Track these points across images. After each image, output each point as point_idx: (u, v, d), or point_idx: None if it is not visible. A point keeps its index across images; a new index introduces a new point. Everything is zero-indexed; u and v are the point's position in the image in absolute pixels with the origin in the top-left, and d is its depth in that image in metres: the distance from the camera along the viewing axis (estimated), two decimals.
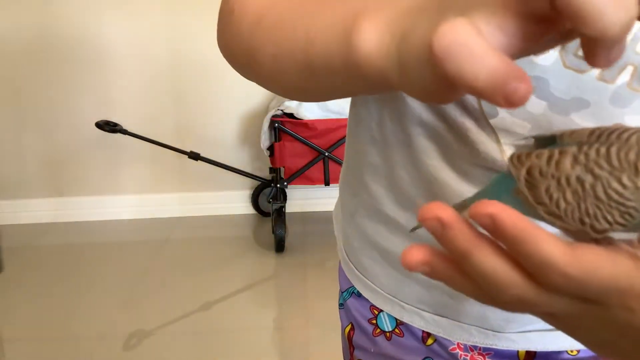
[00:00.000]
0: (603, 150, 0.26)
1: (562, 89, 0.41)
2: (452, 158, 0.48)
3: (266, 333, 2.10)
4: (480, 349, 0.54)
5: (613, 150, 0.26)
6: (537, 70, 0.41)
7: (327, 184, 2.59)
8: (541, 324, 0.50)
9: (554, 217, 0.27)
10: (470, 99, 0.44)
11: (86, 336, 2.09)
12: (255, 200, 3.06)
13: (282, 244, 2.64)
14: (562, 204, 0.26)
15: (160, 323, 2.15)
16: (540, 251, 0.24)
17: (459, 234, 0.25)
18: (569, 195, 0.26)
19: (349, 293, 0.62)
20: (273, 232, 2.69)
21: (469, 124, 0.45)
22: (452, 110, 0.45)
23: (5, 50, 2.92)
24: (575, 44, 0.40)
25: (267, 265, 2.60)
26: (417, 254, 0.27)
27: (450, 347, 0.55)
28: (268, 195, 2.80)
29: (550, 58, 0.40)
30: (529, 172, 0.28)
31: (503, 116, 0.44)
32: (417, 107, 0.48)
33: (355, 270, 0.60)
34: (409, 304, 0.56)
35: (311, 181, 2.61)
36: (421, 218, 0.25)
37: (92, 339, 2.07)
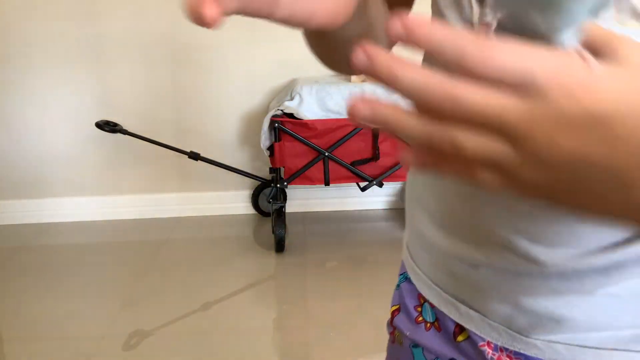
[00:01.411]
0: None
1: None
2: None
3: (266, 333, 2.10)
4: (511, 352, 0.52)
5: None
6: None
7: (327, 184, 2.59)
8: (567, 334, 0.48)
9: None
10: None
11: (86, 336, 2.09)
12: (255, 200, 3.06)
13: (282, 244, 2.64)
14: None
15: (160, 323, 2.15)
16: (456, 46, 0.24)
17: (382, 57, 0.26)
18: None
19: (404, 277, 0.63)
20: (273, 232, 2.69)
21: None
22: None
23: (4, 49, 2.92)
24: None
25: (267, 265, 2.60)
26: (361, 98, 0.27)
27: (480, 344, 0.53)
28: (268, 195, 2.80)
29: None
30: None
31: None
32: None
33: (407, 254, 0.61)
34: (447, 293, 0.56)
35: (311, 181, 2.60)
36: (355, 63, 0.26)
37: (92, 339, 2.07)
